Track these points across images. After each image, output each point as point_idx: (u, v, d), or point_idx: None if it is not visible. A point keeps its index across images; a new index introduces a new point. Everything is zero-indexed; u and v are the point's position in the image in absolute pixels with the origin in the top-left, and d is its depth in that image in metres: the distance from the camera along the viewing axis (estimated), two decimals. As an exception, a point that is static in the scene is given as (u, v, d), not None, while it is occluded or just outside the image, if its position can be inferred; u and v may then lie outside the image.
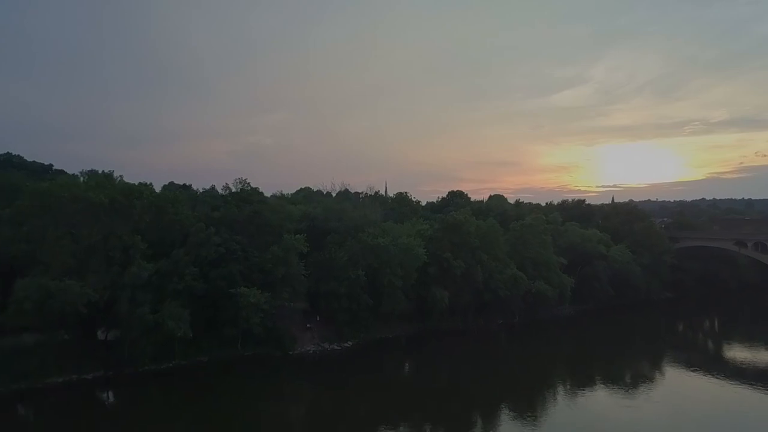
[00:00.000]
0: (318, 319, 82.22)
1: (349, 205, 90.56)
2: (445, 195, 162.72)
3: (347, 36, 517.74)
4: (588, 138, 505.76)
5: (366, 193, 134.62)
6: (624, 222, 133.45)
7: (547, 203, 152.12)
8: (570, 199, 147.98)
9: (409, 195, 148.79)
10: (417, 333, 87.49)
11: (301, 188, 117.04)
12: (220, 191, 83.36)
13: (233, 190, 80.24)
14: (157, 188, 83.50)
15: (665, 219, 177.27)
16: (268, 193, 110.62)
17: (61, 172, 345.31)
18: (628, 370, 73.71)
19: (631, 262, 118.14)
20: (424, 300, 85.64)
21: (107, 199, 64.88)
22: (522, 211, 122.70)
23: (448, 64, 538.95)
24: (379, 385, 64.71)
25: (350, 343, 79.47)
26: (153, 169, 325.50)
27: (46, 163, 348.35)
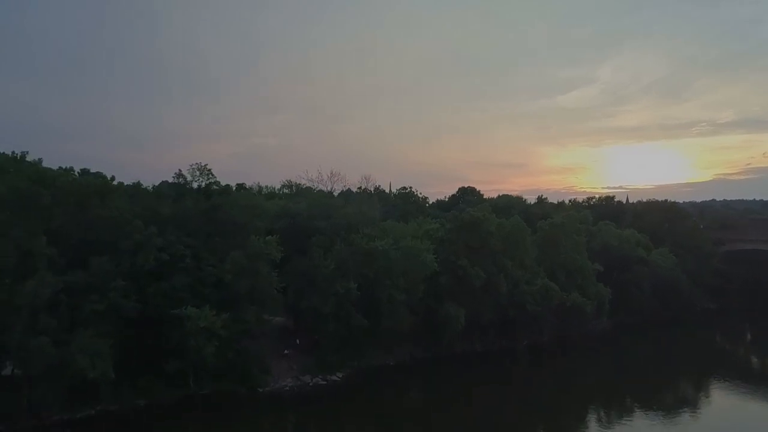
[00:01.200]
0: (298, 342, 64.81)
1: (340, 200, 73.18)
2: (454, 192, 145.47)
3: (349, 36, 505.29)
4: (594, 139, 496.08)
5: (363, 187, 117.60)
6: (661, 221, 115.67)
7: (571, 201, 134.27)
8: (597, 196, 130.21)
9: (414, 190, 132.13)
10: (425, 357, 70.16)
11: (285, 182, 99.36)
12: (170, 179, 65.72)
13: (189, 178, 62.98)
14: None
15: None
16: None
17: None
18: (686, 407, 56.96)
19: (675, 268, 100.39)
20: (433, 317, 68.22)
21: (5, 187, 47.80)
22: (546, 208, 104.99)
23: (451, 65, 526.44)
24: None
25: (340, 375, 61.97)
26: (155, 170, 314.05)
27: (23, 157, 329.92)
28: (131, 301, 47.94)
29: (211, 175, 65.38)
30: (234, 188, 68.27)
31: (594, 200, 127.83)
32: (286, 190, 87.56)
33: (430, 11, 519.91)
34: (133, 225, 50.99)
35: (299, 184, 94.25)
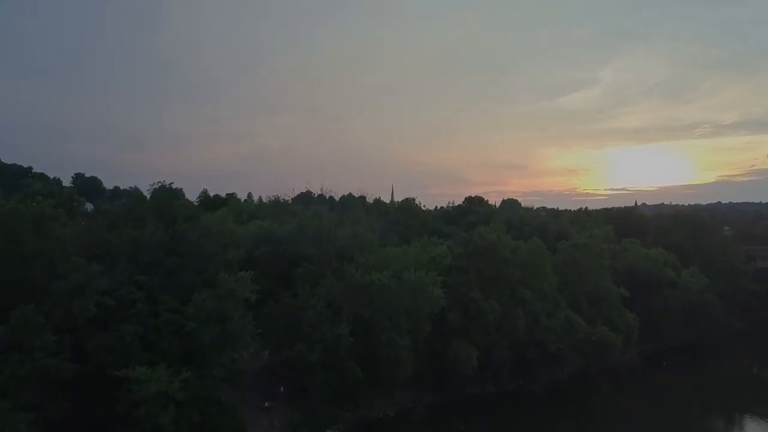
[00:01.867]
0: (282, 390, 55.03)
1: (333, 218, 63.46)
2: (460, 201, 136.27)
3: (351, 37, 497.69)
4: (597, 141, 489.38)
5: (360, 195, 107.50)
6: (689, 236, 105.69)
7: (584, 209, 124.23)
8: (617, 207, 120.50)
9: (417, 202, 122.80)
10: (432, 403, 60.50)
11: (272, 198, 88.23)
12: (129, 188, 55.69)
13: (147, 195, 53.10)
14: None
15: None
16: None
17: (42, 176, 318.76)
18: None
19: (706, 290, 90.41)
20: (440, 357, 58.48)
21: None
22: (563, 223, 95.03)
23: (454, 67, 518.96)
24: None
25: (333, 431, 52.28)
26: (158, 171, 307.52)
27: (25, 166, 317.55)
28: (64, 359, 38.22)
29: (178, 195, 55.70)
30: (225, 197, 58.63)
31: (612, 211, 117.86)
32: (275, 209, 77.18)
33: (432, 13, 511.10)
34: (71, 262, 41.23)
35: (286, 200, 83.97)
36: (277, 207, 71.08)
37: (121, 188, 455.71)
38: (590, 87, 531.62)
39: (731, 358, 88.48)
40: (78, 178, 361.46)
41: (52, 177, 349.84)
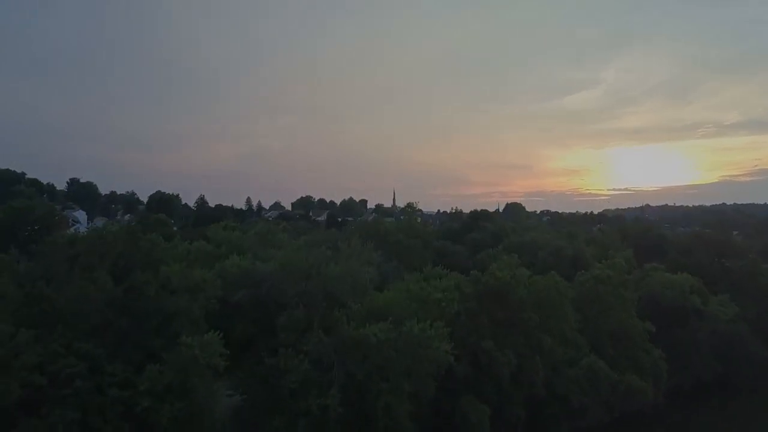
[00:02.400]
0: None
1: (323, 255, 55.56)
2: (462, 202, 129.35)
3: (354, 38, 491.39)
4: (599, 141, 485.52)
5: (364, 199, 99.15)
6: (713, 257, 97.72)
7: (600, 227, 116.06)
8: (630, 219, 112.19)
9: (418, 207, 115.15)
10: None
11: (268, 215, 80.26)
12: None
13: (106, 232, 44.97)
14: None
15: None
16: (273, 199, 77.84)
17: (35, 181, 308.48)
18: None
19: (737, 319, 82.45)
20: (448, 419, 50.59)
21: None
22: (578, 246, 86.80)
23: (455, 67, 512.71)
24: None
25: None
26: (160, 172, 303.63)
27: (18, 171, 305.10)
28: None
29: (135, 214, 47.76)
30: (216, 207, 50.54)
31: (630, 228, 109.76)
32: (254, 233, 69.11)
33: (434, 13, 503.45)
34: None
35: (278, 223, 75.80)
36: (262, 237, 62.90)
37: (118, 193, 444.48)
38: (592, 87, 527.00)
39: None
40: (73, 183, 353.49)
41: (45, 183, 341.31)
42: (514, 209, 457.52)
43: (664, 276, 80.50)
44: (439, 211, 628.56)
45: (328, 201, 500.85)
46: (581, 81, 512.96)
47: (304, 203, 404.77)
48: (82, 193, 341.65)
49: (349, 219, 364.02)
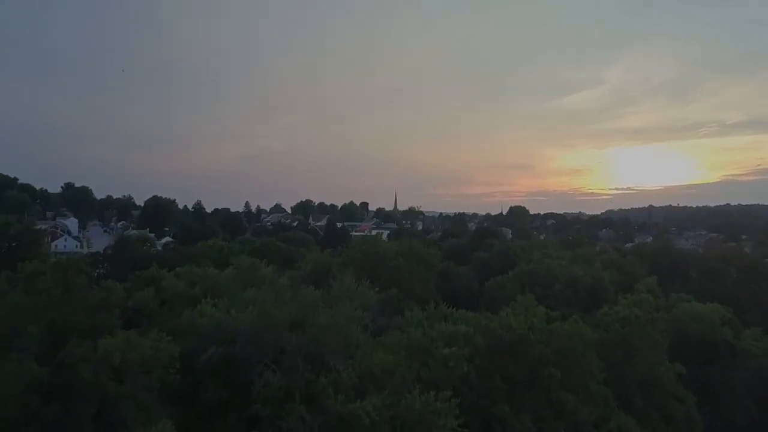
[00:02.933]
0: None
1: (310, 296, 48.25)
2: (464, 202, 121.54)
3: (357, 38, 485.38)
4: (601, 141, 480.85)
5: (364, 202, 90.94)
6: (741, 281, 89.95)
7: (615, 246, 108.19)
8: (649, 240, 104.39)
9: (418, 209, 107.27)
10: None
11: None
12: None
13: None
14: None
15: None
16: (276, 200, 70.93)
17: (27, 187, 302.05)
18: None
19: (772, 353, 74.70)
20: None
21: None
22: (596, 273, 78.82)
23: (459, 67, 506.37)
24: None
25: None
26: (164, 172, 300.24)
27: (11, 176, 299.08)
28: None
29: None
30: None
31: (647, 247, 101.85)
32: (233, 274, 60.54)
33: (437, 13, 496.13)
34: None
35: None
36: (242, 273, 55.14)
37: (114, 197, 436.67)
38: (594, 87, 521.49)
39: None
40: (68, 187, 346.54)
41: (38, 188, 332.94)
42: (517, 212, 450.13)
43: (692, 307, 72.71)
44: (441, 213, 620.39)
45: (328, 204, 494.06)
46: (583, 81, 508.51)
47: (304, 207, 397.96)
48: (76, 197, 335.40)
49: (350, 225, 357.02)
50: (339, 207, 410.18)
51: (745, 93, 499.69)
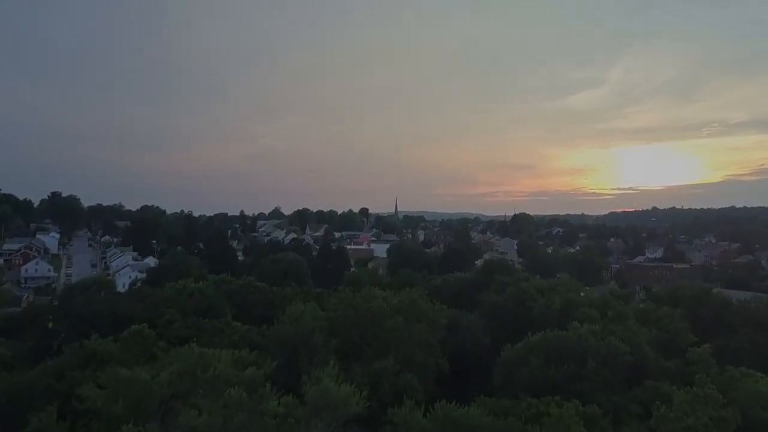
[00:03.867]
0: None
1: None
2: (466, 200, 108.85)
3: (360, 39, 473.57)
4: (604, 140, 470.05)
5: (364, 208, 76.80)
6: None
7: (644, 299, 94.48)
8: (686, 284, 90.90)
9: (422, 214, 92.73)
10: None
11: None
12: None
13: None
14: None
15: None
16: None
17: (9, 197, 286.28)
18: None
19: None
20: None
21: None
22: (631, 335, 65.15)
23: (460, 67, 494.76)
24: None
25: None
26: (168, 172, 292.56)
27: None
28: None
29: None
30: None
31: (685, 292, 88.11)
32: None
33: (437, 13, 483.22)
34: None
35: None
36: (185, 381, 41.45)
37: (105, 204, 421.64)
38: (598, 87, 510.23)
39: None
40: (54, 197, 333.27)
41: (22, 198, 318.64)
42: (521, 220, 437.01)
43: (758, 388, 59.06)
44: (442, 220, 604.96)
45: (327, 211, 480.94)
46: (586, 80, 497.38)
47: (301, 216, 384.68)
48: (62, 206, 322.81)
49: (348, 235, 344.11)
50: (338, 214, 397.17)
51: (749, 92, 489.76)
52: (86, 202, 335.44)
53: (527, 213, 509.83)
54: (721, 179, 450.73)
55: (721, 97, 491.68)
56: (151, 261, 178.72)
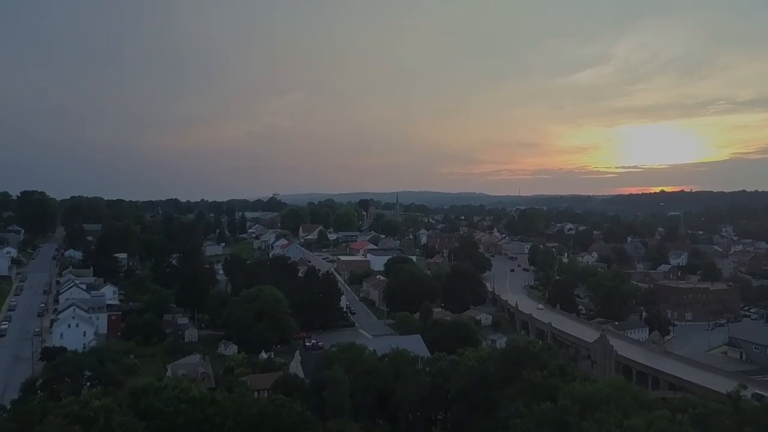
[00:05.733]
0: None
1: None
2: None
3: (367, 17, 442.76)
4: (609, 119, 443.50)
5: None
6: None
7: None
8: None
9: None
10: None
11: None
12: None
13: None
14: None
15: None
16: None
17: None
18: None
19: None
20: None
21: None
22: None
23: (466, 45, 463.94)
24: None
25: None
26: (175, 150, 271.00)
27: None
28: None
29: None
30: None
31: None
32: None
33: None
34: None
35: None
36: None
37: (86, 196, 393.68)
38: (603, 63, 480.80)
39: None
40: (25, 196, 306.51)
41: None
42: (531, 216, 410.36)
43: None
44: (446, 209, 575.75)
45: (324, 202, 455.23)
46: (592, 57, 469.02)
47: (294, 215, 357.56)
48: (32, 206, 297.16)
49: (344, 237, 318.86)
50: (335, 212, 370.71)
51: (757, 69, 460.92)
52: (69, 192, 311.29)
53: (533, 209, 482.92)
54: (726, 157, 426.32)
55: (729, 74, 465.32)
56: (108, 291, 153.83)
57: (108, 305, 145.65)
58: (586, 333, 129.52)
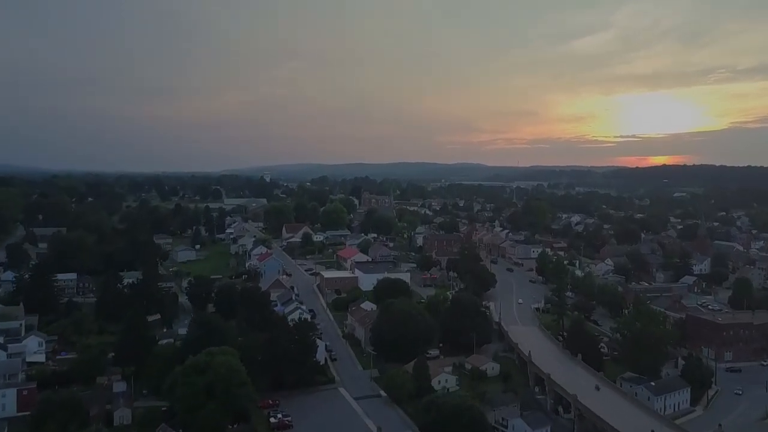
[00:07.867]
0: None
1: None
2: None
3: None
4: (607, 87, 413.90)
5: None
6: None
7: None
8: None
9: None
10: None
11: None
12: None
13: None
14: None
15: None
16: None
17: None
18: None
19: None
20: None
21: None
22: None
23: (467, 12, 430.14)
24: None
25: None
26: (172, 121, 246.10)
27: None
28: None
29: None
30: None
31: None
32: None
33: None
34: None
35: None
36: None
37: (78, 171, 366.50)
38: (604, 30, 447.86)
39: None
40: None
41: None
42: (536, 208, 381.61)
43: None
44: (444, 188, 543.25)
45: (318, 167, 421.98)
46: (592, 24, 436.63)
47: (278, 212, 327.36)
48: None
49: (331, 237, 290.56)
50: (321, 210, 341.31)
51: (758, 37, 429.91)
52: (60, 166, 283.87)
53: (536, 200, 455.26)
54: (725, 126, 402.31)
55: (731, 42, 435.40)
56: (33, 343, 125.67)
57: (29, 364, 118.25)
58: (624, 415, 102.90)
